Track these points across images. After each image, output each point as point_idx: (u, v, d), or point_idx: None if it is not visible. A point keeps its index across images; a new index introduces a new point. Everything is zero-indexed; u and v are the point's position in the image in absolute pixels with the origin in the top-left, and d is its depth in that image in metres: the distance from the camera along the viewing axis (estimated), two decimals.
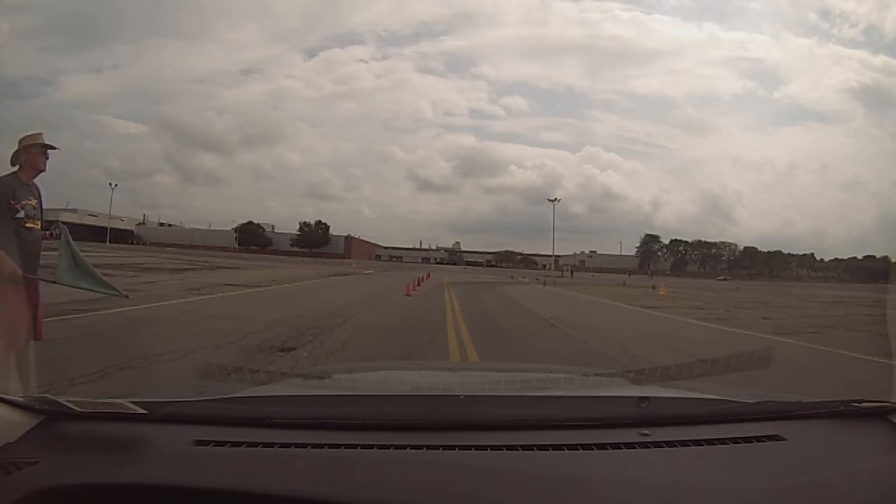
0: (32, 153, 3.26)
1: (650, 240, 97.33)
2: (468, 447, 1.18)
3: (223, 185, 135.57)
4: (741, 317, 14.60)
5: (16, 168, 3.26)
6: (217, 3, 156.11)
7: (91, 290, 3.58)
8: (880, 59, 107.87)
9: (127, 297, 3.85)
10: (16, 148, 3.26)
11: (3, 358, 3.05)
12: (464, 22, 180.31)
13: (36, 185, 3.34)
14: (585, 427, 1.31)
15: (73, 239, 3.45)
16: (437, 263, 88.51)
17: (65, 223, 3.68)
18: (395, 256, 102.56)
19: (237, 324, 7.78)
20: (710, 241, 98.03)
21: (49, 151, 3.36)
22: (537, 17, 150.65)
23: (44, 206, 3.40)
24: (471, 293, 20.43)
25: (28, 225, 3.21)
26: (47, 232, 3.41)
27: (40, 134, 3.31)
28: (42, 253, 3.38)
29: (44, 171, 3.32)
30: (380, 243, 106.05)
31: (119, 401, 1.29)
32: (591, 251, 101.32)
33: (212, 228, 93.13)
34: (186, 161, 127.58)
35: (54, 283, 3.36)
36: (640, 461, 1.19)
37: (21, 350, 3.15)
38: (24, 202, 3.18)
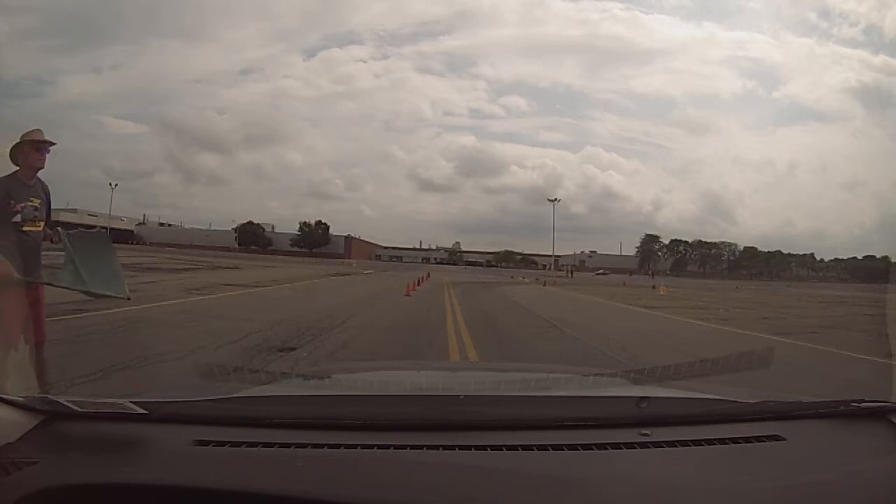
0: (26, 151, 3.19)
1: (650, 240, 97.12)
2: (468, 447, 1.18)
3: (223, 185, 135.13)
4: (741, 317, 14.60)
5: (17, 168, 3.21)
6: (216, 3, 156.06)
7: (90, 294, 3.39)
8: (880, 59, 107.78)
9: (129, 298, 3.65)
10: (15, 144, 3.21)
11: (2, 358, 3.05)
12: (462, 21, 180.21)
13: (42, 184, 3.28)
14: (585, 427, 1.31)
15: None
16: (437, 263, 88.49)
17: (66, 223, 3.63)
18: (395, 256, 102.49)
19: (237, 324, 7.78)
20: (710, 241, 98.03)
21: (50, 148, 3.27)
22: (536, 16, 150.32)
23: (51, 206, 3.34)
24: (471, 293, 20.43)
25: (25, 228, 3.14)
26: (50, 232, 3.33)
27: (37, 131, 3.24)
28: (44, 253, 3.34)
29: (41, 168, 3.25)
30: (380, 243, 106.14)
31: (119, 401, 1.29)
32: (591, 251, 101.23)
33: (212, 228, 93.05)
34: (186, 161, 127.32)
35: (50, 284, 3.28)
36: (640, 461, 1.19)
37: (29, 351, 3.15)
38: (22, 204, 3.12)
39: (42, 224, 3.27)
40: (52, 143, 3.27)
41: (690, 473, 1.16)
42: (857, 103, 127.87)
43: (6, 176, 3.18)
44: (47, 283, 3.29)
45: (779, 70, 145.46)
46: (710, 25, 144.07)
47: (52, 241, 3.34)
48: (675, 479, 1.13)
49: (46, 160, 3.29)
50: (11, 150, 3.21)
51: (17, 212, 3.11)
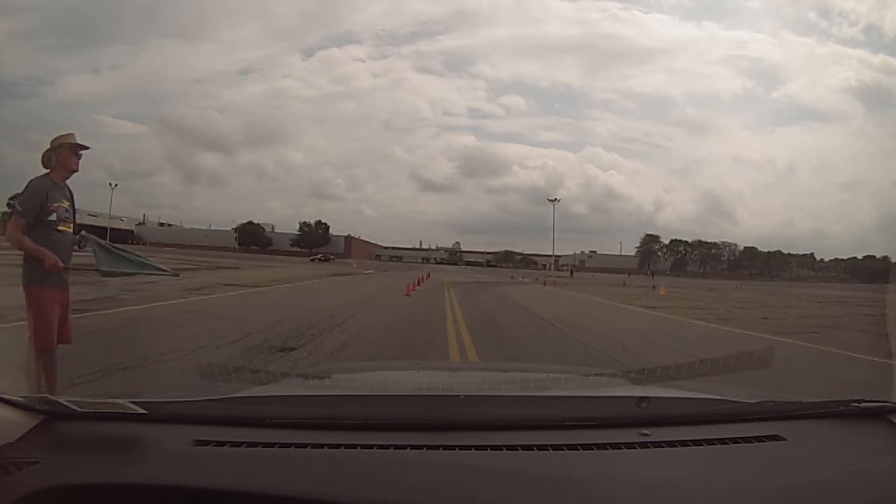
0: (62, 154, 3.24)
1: (650, 240, 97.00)
2: (468, 447, 1.18)
3: (223, 185, 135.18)
4: (741, 317, 14.60)
5: (48, 170, 3.25)
6: (216, 3, 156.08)
7: (136, 274, 3.57)
8: (880, 59, 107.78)
9: (177, 275, 3.78)
10: (48, 148, 3.26)
11: (29, 360, 3.08)
12: (461, 21, 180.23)
13: (68, 188, 3.33)
14: (585, 427, 1.31)
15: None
16: (438, 263, 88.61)
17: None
18: (395, 256, 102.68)
19: (237, 324, 7.78)
20: (710, 241, 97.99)
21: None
22: (535, 15, 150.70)
23: (76, 209, 3.40)
24: (471, 293, 20.42)
25: (60, 227, 3.21)
26: (76, 237, 3.40)
27: (71, 134, 3.29)
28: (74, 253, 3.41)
29: (76, 171, 3.32)
30: (380, 243, 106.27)
31: (119, 401, 1.29)
32: (591, 251, 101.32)
33: (212, 228, 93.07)
34: (186, 161, 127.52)
35: (97, 270, 3.38)
36: (640, 461, 1.19)
37: (51, 354, 3.18)
38: (56, 204, 3.18)
39: (71, 226, 3.33)
40: (87, 147, 3.34)
41: (690, 473, 1.16)
42: (856, 103, 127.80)
43: (40, 176, 3.21)
44: (94, 270, 3.39)
45: (778, 70, 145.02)
46: (709, 25, 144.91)
47: (79, 246, 3.41)
48: (675, 479, 1.13)
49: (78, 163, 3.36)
50: (45, 154, 3.24)
51: (53, 210, 3.17)
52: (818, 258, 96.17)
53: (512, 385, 2.00)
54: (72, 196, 3.35)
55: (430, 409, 1.39)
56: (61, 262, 3.19)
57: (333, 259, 66.35)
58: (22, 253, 3.18)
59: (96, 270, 3.40)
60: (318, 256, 66.93)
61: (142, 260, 3.57)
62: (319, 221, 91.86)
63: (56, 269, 3.09)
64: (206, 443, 1.16)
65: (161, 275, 3.71)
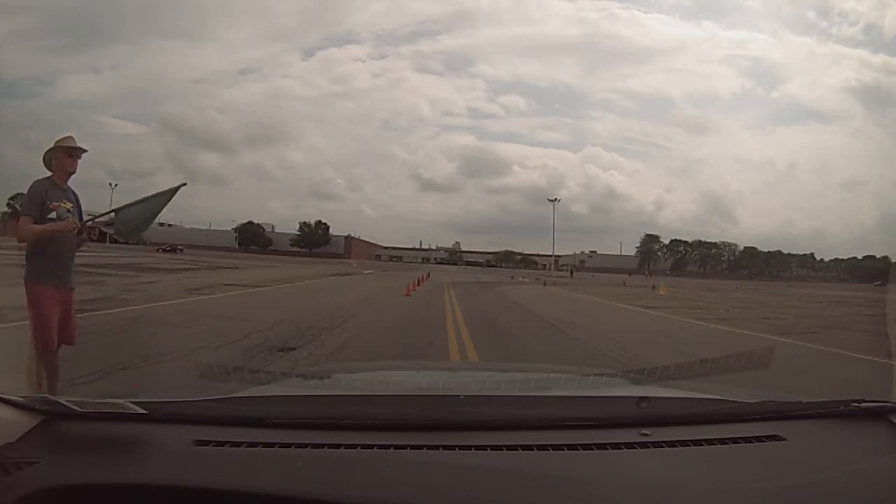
0: (58, 156, 3.31)
1: (650, 240, 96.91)
2: (468, 447, 1.18)
3: (223, 184, 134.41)
4: (741, 317, 14.60)
5: (51, 172, 3.32)
6: (216, 3, 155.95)
7: (156, 197, 3.64)
8: (880, 58, 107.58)
9: (186, 184, 3.83)
10: (48, 149, 3.32)
11: (30, 360, 3.09)
12: (461, 21, 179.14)
13: (72, 190, 3.39)
14: (585, 427, 1.31)
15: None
16: (437, 263, 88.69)
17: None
18: (395, 256, 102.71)
19: (237, 324, 7.78)
20: (710, 241, 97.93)
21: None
22: (534, 15, 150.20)
23: (83, 210, 3.45)
24: (471, 293, 20.43)
25: None
26: (84, 234, 3.45)
27: (69, 137, 3.36)
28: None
29: (74, 172, 3.38)
30: (380, 243, 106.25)
31: (119, 401, 1.29)
32: (591, 251, 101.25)
33: (212, 228, 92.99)
34: (186, 161, 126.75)
35: (113, 212, 3.54)
36: (640, 461, 1.19)
37: (52, 354, 3.19)
38: (56, 204, 3.23)
39: (75, 227, 3.36)
40: (84, 150, 3.38)
41: (690, 473, 1.16)
42: (856, 103, 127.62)
43: (41, 179, 3.28)
44: (109, 213, 3.58)
45: (778, 69, 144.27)
46: (709, 25, 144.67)
47: (90, 239, 3.53)
48: (675, 479, 1.13)
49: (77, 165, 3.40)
50: (45, 155, 3.31)
51: (53, 210, 3.21)
52: (818, 258, 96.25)
53: (512, 385, 2.00)
54: (76, 198, 3.40)
55: (430, 409, 1.39)
56: (62, 261, 3.23)
57: (182, 250, 62.79)
58: (24, 253, 3.21)
59: (117, 231, 3.56)
60: (164, 246, 62.68)
61: (150, 197, 3.63)
62: (319, 221, 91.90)
63: (71, 228, 3.19)
64: (206, 443, 1.16)
65: (174, 193, 3.68)
